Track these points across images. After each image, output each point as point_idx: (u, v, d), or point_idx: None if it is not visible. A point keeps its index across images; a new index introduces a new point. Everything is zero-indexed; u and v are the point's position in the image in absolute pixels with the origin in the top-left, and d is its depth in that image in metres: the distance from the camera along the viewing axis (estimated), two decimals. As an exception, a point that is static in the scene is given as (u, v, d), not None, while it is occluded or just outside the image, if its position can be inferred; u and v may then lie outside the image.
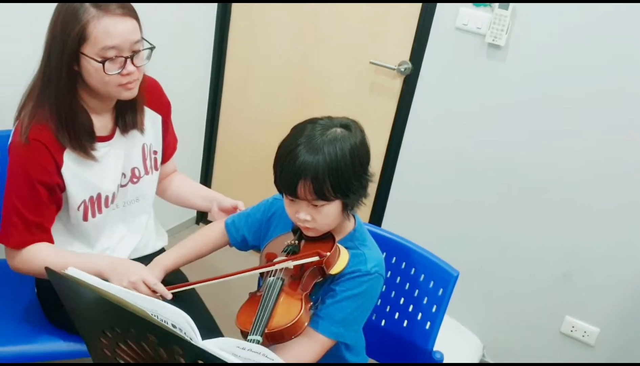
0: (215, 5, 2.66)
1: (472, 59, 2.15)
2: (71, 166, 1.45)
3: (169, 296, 1.37)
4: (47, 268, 0.90)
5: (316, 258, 1.21)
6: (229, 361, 0.78)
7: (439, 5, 2.15)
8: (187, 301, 1.52)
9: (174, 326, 0.85)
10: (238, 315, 1.22)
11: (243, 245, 1.50)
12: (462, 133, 2.26)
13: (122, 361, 1.01)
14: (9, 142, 1.45)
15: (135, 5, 1.41)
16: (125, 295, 0.86)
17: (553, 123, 2.08)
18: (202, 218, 3.07)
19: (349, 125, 1.24)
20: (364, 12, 2.34)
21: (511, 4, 1.99)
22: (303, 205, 1.22)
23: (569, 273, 2.21)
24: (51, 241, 1.49)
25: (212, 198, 1.72)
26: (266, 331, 1.14)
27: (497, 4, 2.01)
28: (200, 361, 0.83)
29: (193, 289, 1.51)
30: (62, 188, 1.46)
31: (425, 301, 1.58)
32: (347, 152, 1.19)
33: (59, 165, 1.43)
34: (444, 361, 1.54)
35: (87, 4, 1.32)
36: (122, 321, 0.87)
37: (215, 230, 1.52)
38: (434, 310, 1.56)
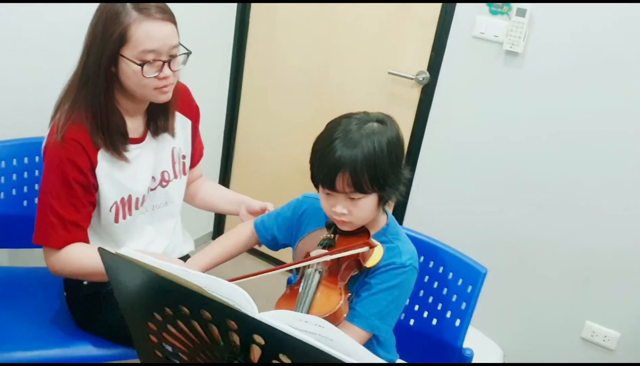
0: (233, 19, 2.72)
1: (490, 66, 2.18)
2: (105, 166, 1.47)
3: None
4: (100, 249, 0.92)
5: (365, 248, 1.22)
6: (287, 332, 0.79)
7: (455, 14, 2.19)
8: None
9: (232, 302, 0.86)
10: (277, 306, 1.23)
11: (273, 244, 1.51)
12: (481, 141, 2.28)
13: (168, 347, 1.02)
14: (43, 144, 1.48)
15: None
16: (181, 273, 0.88)
17: (573, 128, 2.11)
18: (220, 232, 3.08)
19: (384, 120, 1.28)
20: (381, 22, 2.39)
21: (528, 11, 2.03)
22: (340, 198, 1.24)
23: (589, 278, 2.22)
24: (87, 240, 1.51)
25: (239, 201, 1.74)
26: (307, 319, 1.15)
27: (514, 11, 2.05)
28: (256, 336, 0.84)
29: None
30: (96, 187, 1.48)
31: (454, 299, 1.59)
32: (384, 146, 1.22)
33: (93, 165, 1.45)
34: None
35: (129, 6, 1.35)
36: (175, 299, 0.89)
37: (245, 230, 1.54)
38: (463, 307, 1.57)
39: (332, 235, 1.32)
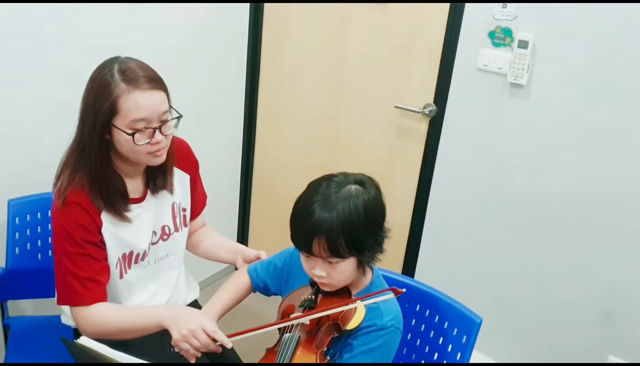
0: (245, 62, 2.78)
1: (495, 98, 2.15)
2: (108, 226, 1.52)
3: (229, 344, 1.35)
4: (62, 338, 0.96)
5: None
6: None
7: (459, 46, 2.18)
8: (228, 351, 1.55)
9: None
10: (256, 370, 1.25)
11: (265, 291, 1.54)
12: (491, 171, 2.25)
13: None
14: (51, 209, 1.52)
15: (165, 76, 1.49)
16: (130, 361, 0.91)
17: (581, 157, 2.05)
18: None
19: (363, 181, 1.27)
20: (385, 55, 2.39)
21: (530, 43, 1.99)
22: (318, 262, 1.25)
23: (612, 311, 2.14)
24: (105, 295, 1.53)
25: (236, 250, 1.77)
26: (282, 389, 1.17)
27: (516, 43, 2.02)
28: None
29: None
30: (104, 244, 1.52)
31: (449, 349, 1.57)
32: (360, 209, 1.21)
33: (98, 225, 1.50)
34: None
35: (118, 78, 1.40)
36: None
37: (242, 278, 1.56)
38: (458, 357, 1.54)
39: (314, 296, 1.33)
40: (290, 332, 1.28)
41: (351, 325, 1.27)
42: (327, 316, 1.26)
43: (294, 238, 1.27)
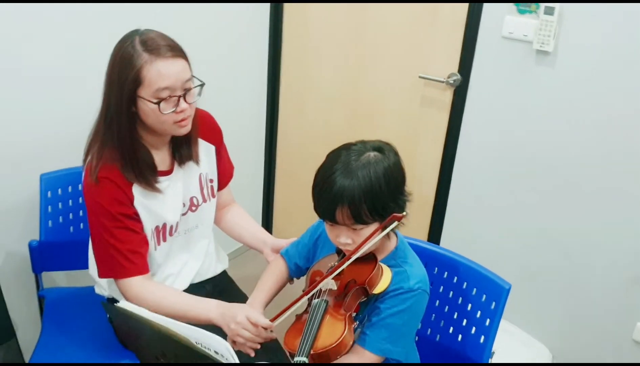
0: (267, 37, 2.78)
1: (521, 66, 2.12)
2: (140, 199, 1.55)
3: (272, 325, 1.36)
4: (102, 303, 0.99)
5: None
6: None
7: (483, 15, 2.14)
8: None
9: (216, 352, 0.91)
10: (285, 337, 1.27)
11: (298, 272, 1.55)
12: (517, 139, 2.23)
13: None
14: (82, 185, 1.55)
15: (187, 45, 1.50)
16: (172, 325, 0.93)
17: (608, 124, 2.02)
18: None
19: (382, 148, 1.28)
20: (408, 25, 2.37)
21: (557, 9, 1.96)
22: (343, 229, 1.26)
23: None
24: (147, 267, 1.57)
25: (264, 240, 1.76)
26: (312, 352, 1.19)
27: (542, 10, 1.98)
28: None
29: None
30: (138, 216, 1.55)
31: (478, 315, 1.58)
32: (381, 175, 1.22)
33: (131, 199, 1.53)
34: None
35: (140, 49, 1.42)
36: (170, 347, 0.95)
37: (280, 262, 1.58)
38: (487, 323, 1.55)
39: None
40: (318, 298, 1.30)
41: (378, 289, 1.28)
42: (355, 281, 1.28)
43: (317, 208, 1.28)
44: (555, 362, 2.38)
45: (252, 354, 1.39)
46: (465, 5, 2.18)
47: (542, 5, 1.98)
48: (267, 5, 2.72)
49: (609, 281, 2.19)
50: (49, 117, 2.02)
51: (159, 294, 1.53)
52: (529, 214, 2.30)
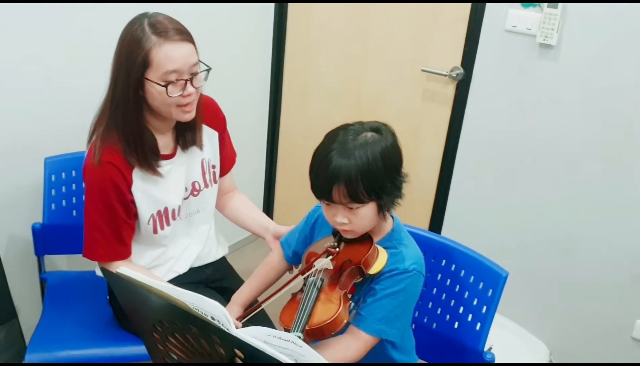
0: (270, 32, 2.80)
1: (524, 60, 2.13)
2: (139, 184, 1.56)
3: (239, 324, 1.35)
4: (102, 268, 1.00)
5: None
6: (260, 348, 0.84)
7: (487, 8, 2.16)
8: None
9: (212, 318, 0.93)
10: (281, 314, 1.28)
11: (296, 259, 1.56)
12: (519, 134, 2.24)
13: (173, 355, 1.10)
14: (83, 164, 1.58)
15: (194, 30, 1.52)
16: (170, 291, 0.95)
17: (612, 118, 2.03)
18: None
19: (379, 129, 1.28)
20: (411, 19, 2.38)
21: (561, 3, 1.97)
22: (339, 209, 1.27)
23: (639, 274, 2.13)
24: (129, 254, 1.61)
25: (266, 226, 1.79)
26: (307, 328, 1.20)
27: (545, 4, 2.00)
28: (237, 350, 0.90)
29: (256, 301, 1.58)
30: (134, 203, 1.58)
31: (475, 303, 1.58)
32: (377, 155, 1.23)
33: (129, 184, 1.55)
34: (495, 362, 1.54)
35: (149, 32, 1.43)
36: (168, 314, 0.96)
37: (275, 255, 1.60)
38: (484, 310, 1.56)
39: (336, 243, 1.35)
40: (314, 277, 1.31)
41: (374, 269, 1.29)
42: (350, 260, 1.29)
43: (313, 187, 1.29)
44: (554, 362, 2.38)
45: None
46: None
47: (546, -3, 1.99)
48: (272, 5, 2.75)
49: (608, 278, 2.19)
50: (54, 102, 2.04)
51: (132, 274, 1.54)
52: (529, 210, 2.30)
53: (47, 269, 2.03)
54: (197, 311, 0.93)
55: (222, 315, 0.90)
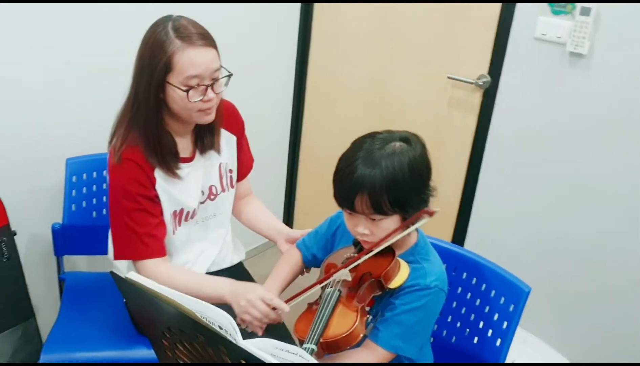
0: (295, 36, 2.78)
1: (553, 69, 2.07)
2: (162, 183, 1.55)
3: (287, 308, 1.35)
4: (111, 273, 0.99)
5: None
6: (267, 361, 0.82)
7: (516, 15, 2.11)
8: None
9: (220, 327, 0.90)
10: (296, 323, 1.25)
11: (315, 263, 1.52)
12: (547, 145, 2.18)
13: (181, 362, 1.08)
14: (107, 168, 1.56)
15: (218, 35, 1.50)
16: (178, 298, 0.92)
17: (643, 132, 1.96)
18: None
19: (408, 138, 1.24)
20: (439, 25, 2.34)
21: (593, 10, 1.91)
22: (361, 219, 1.23)
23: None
24: (164, 250, 1.58)
25: (279, 230, 1.76)
26: (321, 340, 1.17)
27: (578, 10, 1.94)
28: (243, 362, 0.87)
29: None
30: (159, 199, 1.56)
31: (496, 318, 1.53)
32: (405, 166, 1.19)
33: (152, 181, 1.54)
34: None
35: (172, 35, 1.42)
36: (175, 322, 0.94)
37: (294, 253, 1.56)
38: (504, 326, 1.51)
39: (356, 254, 1.32)
40: (332, 288, 1.27)
41: (394, 284, 1.25)
42: (370, 273, 1.25)
43: (336, 195, 1.26)
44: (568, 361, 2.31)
45: (260, 333, 1.37)
46: (498, 5, 2.15)
47: (579, 5, 1.93)
48: (298, 5, 2.72)
49: (634, 293, 2.11)
50: (77, 103, 2.05)
51: (171, 273, 1.53)
52: (556, 224, 2.24)
53: (68, 269, 2.04)
54: (204, 320, 0.90)
55: (229, 325, 0.88)
